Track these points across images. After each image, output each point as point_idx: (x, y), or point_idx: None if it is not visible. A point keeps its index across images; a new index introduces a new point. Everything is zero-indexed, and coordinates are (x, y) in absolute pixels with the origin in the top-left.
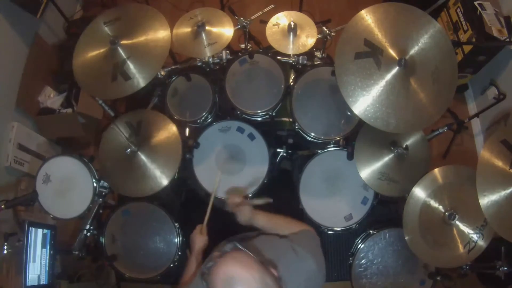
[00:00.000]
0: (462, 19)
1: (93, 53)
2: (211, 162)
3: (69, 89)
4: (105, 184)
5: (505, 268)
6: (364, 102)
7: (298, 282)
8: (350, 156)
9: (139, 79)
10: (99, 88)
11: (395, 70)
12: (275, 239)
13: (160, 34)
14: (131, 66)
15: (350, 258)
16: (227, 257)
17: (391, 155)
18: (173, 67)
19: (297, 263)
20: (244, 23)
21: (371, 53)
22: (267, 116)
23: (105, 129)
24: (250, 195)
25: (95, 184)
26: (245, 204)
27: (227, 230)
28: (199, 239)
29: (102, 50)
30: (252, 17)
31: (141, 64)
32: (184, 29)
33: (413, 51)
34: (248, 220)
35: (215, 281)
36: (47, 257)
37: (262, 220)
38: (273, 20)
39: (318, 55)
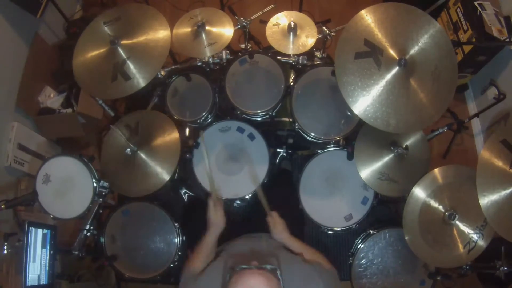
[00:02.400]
0: (462, 19)
1: (93, 53)
2: (211, 162)
3: (69, 89)
4: (105, 184)
5: (505, 268)
6: (364, 102)
7: None
8: (350, 156)
9: (139, 79)
10: (99, 88)
11: (395, 70)
12: (306, 272)
13: (160, 34)
14: (131, 66)
15: (350, 258)
16: (262, 273)
17: (391, 155)
18: (173, 67)
19: None
20: (244, 23)
21: (371, 53)
22: (267, 116)
23: (105, 131)
24: (250, 195)
25: (95, 184)
26: (283, 223)
27: (229, 231)
28: (213, 212)
29: (102, 50)
30: (252, 17)
31: (141, 64)
32: (184, 29)
33: (413, 51)
34: (282, 238)
35: (238, 282)
36: (47, 257)
37: (294, 246)
38: (273, 20)
39: (318, 55)
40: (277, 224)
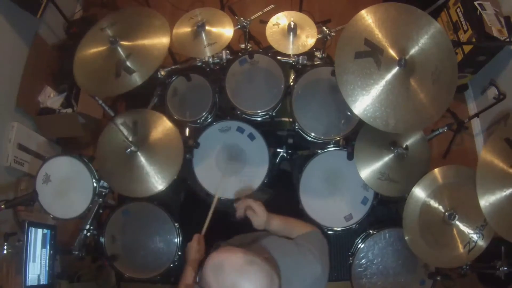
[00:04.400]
0: (462, 19)
1: (93, 54)
2: (211, 162)
3: (69, 89)
4: (105, 184)
5: (505, 268)
6: (364, 101)
7: (303, 285)
8: (350, 156)
9: (142, 72)
10: (105, 88)
11: (395, 70)
12: (283, 242)
13: (157, 22)
14: (134, 60)
15: (350, 258)
16: (215, 251)
17: (391, 155)
18: (173, 67)
19: (304, 267)
20: (244, 23)
21: (371, 53)
22: (267, 116)
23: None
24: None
25: (95, 184)
26: (259, 205)
27: (229, 232)
28: (195, 249)
29: (102, 49)
30: (252, 17)
31: (144, 56)
32: (184, 29)
33: (413, 51)
34: (263, 224)
35: (206, 272)
36: (47, 257)
37: (277, 225)
38: (273, 20)
39: (318, 55)
40: (259, 214)
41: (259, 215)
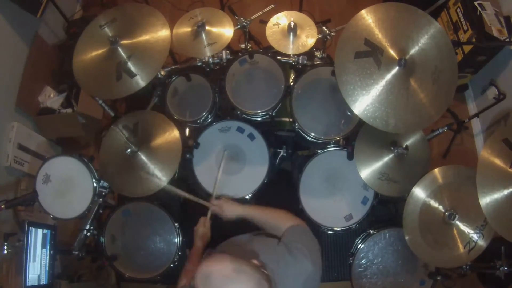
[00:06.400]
0: (462, 19)
1: (93, 55)
2: (211, 162)
3: (69, 89)
4: (105, 184)
5: (505, 268)
6: (364, 101)
7: (297, 284)
8: (350, 156)
9: (145, 74)
10: (105, 89)
11: (395, 70)
12: (272, 244)
13: (159, 29)
14: (135, 62)
15: (350, 258)
16: (203, 261)
17: (391, 155)
18: (173, 67)
19: (295, 267)
20: (244, 23)
21: (371, 53)
22: (267, 116)
23: (105, 131)
24: (250, 195)
25: (95, 184)
26: (227, 201)
27: (225, 233)
28: (201, 233)
29: (102, 51)
30: (252, 17)
31: (145, 58)
32: (184, 29)
33: (413, 51)
34: (236, 212)
35: (196, 283)
36: (47, 257)
37: (252, 210)
38: (273, 20)
39: (318, 55)
40: (224, 206)
41: (223, 208)
